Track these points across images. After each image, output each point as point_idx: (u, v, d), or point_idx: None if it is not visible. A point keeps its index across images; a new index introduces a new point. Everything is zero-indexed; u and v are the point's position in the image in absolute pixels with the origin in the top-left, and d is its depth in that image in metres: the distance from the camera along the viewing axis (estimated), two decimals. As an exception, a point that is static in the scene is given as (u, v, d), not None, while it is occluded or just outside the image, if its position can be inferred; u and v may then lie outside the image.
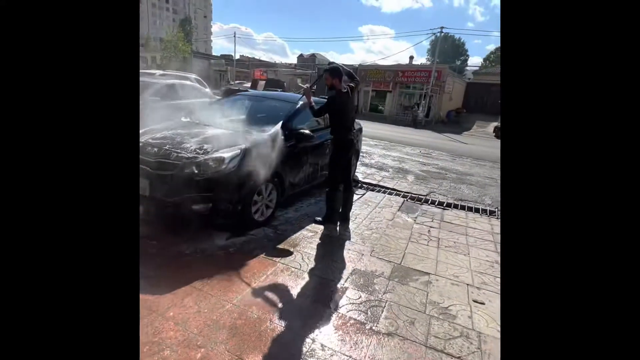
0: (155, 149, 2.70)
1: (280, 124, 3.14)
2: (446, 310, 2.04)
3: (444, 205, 4.27)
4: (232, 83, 27.24)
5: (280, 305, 1.95)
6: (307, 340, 1.68)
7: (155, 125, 3.36)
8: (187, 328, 1.68)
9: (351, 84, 3.20)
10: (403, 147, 9.32)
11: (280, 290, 2.10)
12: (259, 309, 1.88)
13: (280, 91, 19.84)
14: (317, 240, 2.88)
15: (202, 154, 2.63)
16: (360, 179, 5.07)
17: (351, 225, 3.29)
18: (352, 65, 25.34)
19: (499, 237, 3.24)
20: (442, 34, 21.37)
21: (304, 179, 3.63)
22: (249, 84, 25.36)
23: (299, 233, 2.99)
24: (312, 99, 4.08)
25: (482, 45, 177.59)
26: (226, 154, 2.65)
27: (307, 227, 3.14)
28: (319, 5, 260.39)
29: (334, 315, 1.90)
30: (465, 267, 2.63)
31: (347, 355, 1.60)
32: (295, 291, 2.11)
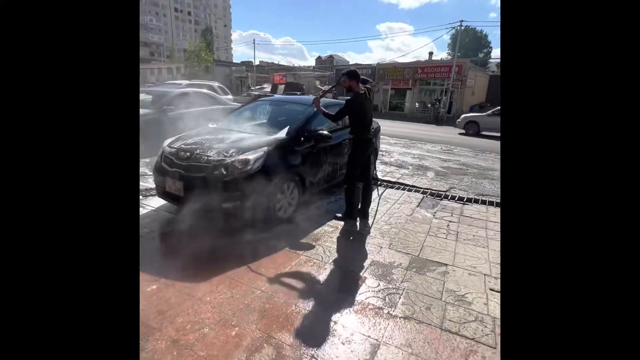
0: (188, 154, 2.97)
1: (285, 129, 3.34)
2: (462, 298, 2.13)
3: (464, 200, 4.28)
4: (253, 88, 27.98)
5: (304, 292, 2.12)
6: (330, 321, 1.84)
7: (184, 132, 3.66)
8: (222, 310, 1.89)
9: (367, 86, 3.34)
10: (423, 145, 9.27)
11: (304, 279, 2.27)
12: (285, 295, 2.07)
13: (300, 94, 20.11)
14: (338, 235, 3.03)
15: (229, 156, 2.87)
16: (379, 176, 5.17)
17: (370, 221, 3.41)
18: (370, 64, 25.26)
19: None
20: (463, 27, 20.88)
21: (324, 178, 3.79)
22: (269, 89, 25.97)
23: (320, 228, 3.15)
24: (331, 100, 4.24)
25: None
26: (251, 155, 2.87)
27: (328, 223, 3.30)
28: (336, 6, 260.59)
29: (354, 301, 2.05)
30: (484, 259, 2.69)
31: (366, 335, 1.74)
32: (317, 280, 2.28)
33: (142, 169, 4.89)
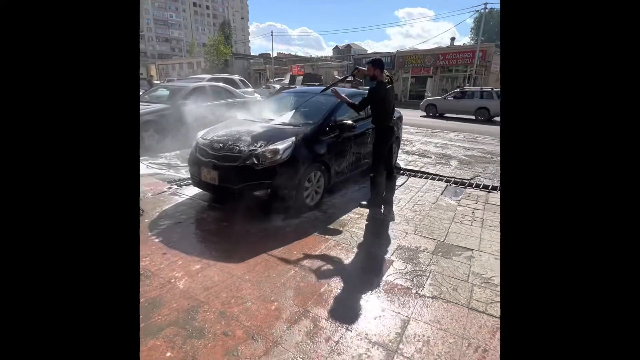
0: (221, 145, 3.14)
1: (312, 120, 3.48)
2: (489, 280, 2.19)
3: (489, 188, 4.26)
4: (271, 81, 28.18)
5: (335, 272, 2.26)
6: (361, 299, 1.97)
7: (215, 125, 3.85)
8: (261, 288, 2.05)
9: (389, 75, 3.38)
10: (446, 134, 9.12)
11: (334, 261, 2.41)
12: (317, 275, 2.21)
13: (318, 85, 20.07)
14: (364, 221, 3.14)
15: (260, 146, 3.02)
16: (402, 166, 5.19)
17: (395, 209, 3.49)
18: (390, 52, 24.74)
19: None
20: (487, 9, 20.00)
21: (348, 167, 3.89)
22: (287, 80, 26.05)
23: (346, 215, 3.27)
24: (352, 90, 4.30)
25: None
26: (280, 145, 3.00)
27: (353, 210, 3.40)
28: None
29: (382, 281, 2.16)
30: (510, 244, 2.71)
31: (396, 312, 1.86)
32: (347, 262, 2.40)
33: (174, 161, 5.17)
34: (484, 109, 12.78)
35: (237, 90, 7.98)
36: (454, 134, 9.15)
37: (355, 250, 2.59)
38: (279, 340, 1.64)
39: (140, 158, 4.66)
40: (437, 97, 15.58)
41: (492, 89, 13.32)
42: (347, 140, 3.73)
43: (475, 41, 34.84)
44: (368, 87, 5.50)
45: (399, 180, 4.44)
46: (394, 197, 3.70)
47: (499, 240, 2.78)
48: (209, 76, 10.65)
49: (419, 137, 8.24)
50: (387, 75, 3.33)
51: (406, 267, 2.34)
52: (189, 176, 3.72)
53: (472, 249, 2.62)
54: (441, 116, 14.10)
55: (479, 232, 2.96)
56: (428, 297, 2.00)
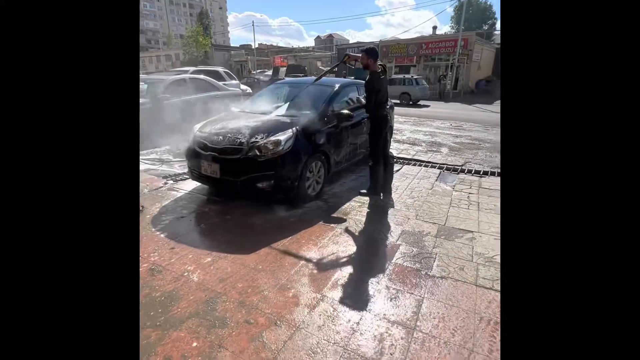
0: (221, 137, 3.11)
1: (310, 110, 3.49)
2: (491, 259, 2.31)
3: (481, 173, 4.41)
4: (254, 72, 27.66)
5: (345, 258, 2.31)
6: (374, 282, 2.03)
7: (212, 117, 3.79)
8: (276, 277, 2.08)
9: (382, 63, 3.41)
10: (433, 122, 9.30)
11: (343, 248, 2.46)
12: (329, 262, 2.26)
13: (303, 76, 19.85)
14: (366, 209, 3.20)
15: (261, 138, 3.00)
16: (395, 154, 5.29)
17: (394, 196, 3.57)
18: (373, 42, 24.71)
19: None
20: (467, -2, 20.22)
21: (346, 157, 3.93)
22: (270, 72, 25.64)
23: (347, 204, 3.32)
24: (348, 80, 4.32)
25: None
26: (282, 136, 3.00)
27: (354, 198, 3.46)
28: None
29: (392, 264, 2.23)
30: (507, 225, 2.85)
31: (409, 292, 1.94)
32: (355, 248, 2.46)
33: (165, 156, 5.06)
34: (406, 94, 14.94)
35: (220, 83, 7.69)
36: (440, 122, 9.33)
37: (362, 236, 2.66)
38: (302, 325, 1.68)
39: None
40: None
41: (412, 76, 15.43)
42: (345, 130, 3.76)
43: (455, 30, 35.29)
44: (354, 77, 5.47)
45: (394, 169, 4.53)
46: (391, 184, 3.78)
47: (495, 222, 2.91)
48: (192, 68, 10.35)
49: (407, 126, 8.37)
50: (380, 65, 3.36)
51: (413, 250, 2.42)
52: (186, 170, 3.66)
53: (472, 231, 2.74)
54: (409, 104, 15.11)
55: (476, 215, 3.09)
56: (438, 277, 2.09)
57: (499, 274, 2.12)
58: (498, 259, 2.31)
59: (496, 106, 14.77)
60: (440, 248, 2.46)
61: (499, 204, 3.34)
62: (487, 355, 1.51)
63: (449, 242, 2.56)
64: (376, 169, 3.45)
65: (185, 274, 2.11)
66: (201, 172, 3.18)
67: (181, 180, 3.95)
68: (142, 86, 6.43)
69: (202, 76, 7.38)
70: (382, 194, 3.55)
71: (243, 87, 13.57)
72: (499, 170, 4.47)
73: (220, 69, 11.83)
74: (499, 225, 2.84)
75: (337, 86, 3.93)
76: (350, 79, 4.64)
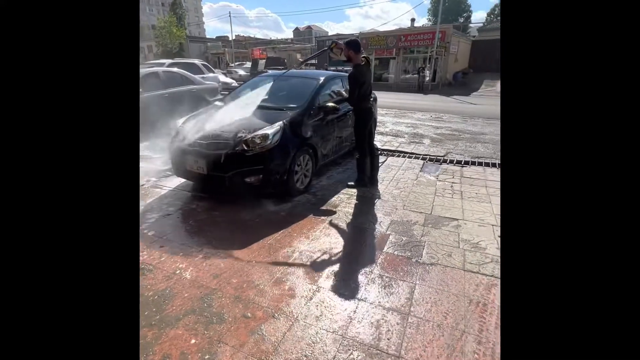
0: (206, 132, 3.04)
1: (297, 104, 3.47)
2: (477, 245, 2.41)
3: (462, 163, 4.56)
4: (232, 65, 27.00)
5: (338, 250, 2.35)
6: (367, 271, 2.08)
7: (192, 113, 3.70)
8: (270, 270, 2.09)
9: (365, 56, 3.43)
10: (413, 114, 9.46)
11: (335, 239, 2.49)
12: (321, 254, 2.29)
13: (282, 68, 19.58)
14: (354, 201, 3.25)
15: (249, 132, 2.96)
16: (379, 146, 5.36)
17: (380, 187, 3.64)
18: (352, 34, 24.66)
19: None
20: (444, -9, 20.48)
21: (332, 150, 3.95)
22: (249, 64, 25.12)
23: (336, 197, 3.35)
24: (332, 73, 4.31)
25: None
26: (269, 130, 2.98)
27: (342, 191, 3.50)
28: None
29: (384, 253, 2.29)
30: (489, 212, 2.98)
31: (402, 280, 2.00)
32: (347, 240, 2.50)
33: (145, 152, 4.89)
34: None
35: (197, 77, 7.37)
36: (421, 114, 9.52)
37: (352, 227, 2.70)
38: (300, 316, 1.71)
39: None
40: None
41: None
42: (331, 122, 3.77)
43: (433, 22, 35.81)
44: (333, 68, 5.47)
45: (379, 160, 4.60)
46: (378, 175, 3.84)
47: (478, 210, 3.03)
48: (168, 61, 9.96)
49: (389, 118, 8.48)
50: (363, 57, 3.38)
51: (402, 239, 2.49)
52: (170, 166, 3.57)
53: (457, 219, 2.84)
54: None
55: (460, 203, 3.20)
56: (428, 264, 2.17)
57: (484, 259, 2.23)
58: (483, 244, 2.42)
59: (473, 97, 15.22)
60: (428, 236, 2.54)
61: (481, 192, 3.48)
62: (478, 334, 1.59)
63: (436, 230, 2.65)
64: (363, 161, 3.50)
65: (177, 271, 2.07)
66: (186, 168, 3.11)
67: (164, 177, 3.84)
68: None
69: (176, 69, 7.06)
70: (369, 186, 3.60)
71: (229, 79, 13.20)
72: (479, 160, 4.65)
73: (197, 62, 11.47)
74: (482, 213, 2.97)
75: (322, 79, 3.92)
76: (335, 72, 4.63)
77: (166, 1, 63.54)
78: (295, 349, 1.51)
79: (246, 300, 1.82)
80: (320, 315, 1.71)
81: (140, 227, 2.63)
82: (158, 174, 3.92)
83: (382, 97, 13.96)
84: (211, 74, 11.14)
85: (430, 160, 4.73)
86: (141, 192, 3.39)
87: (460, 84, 20.54)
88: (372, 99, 3.95)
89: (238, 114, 3.35)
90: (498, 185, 3.70)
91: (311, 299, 1.84)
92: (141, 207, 3.01)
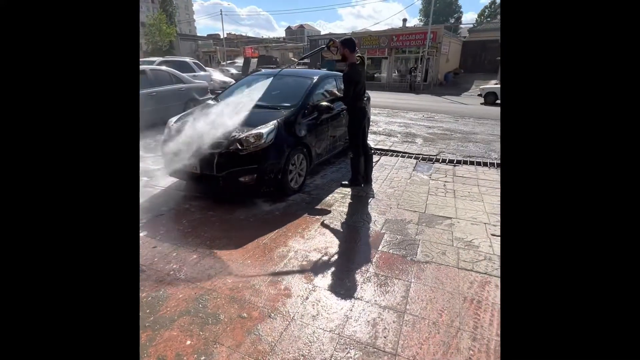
0: (199, 131, 3.00)
1: (291, 103, 3.46)
2: (470, 243, 2.44)
3: (454, 162, 4.61)
4: (223, 63, 26.74)
5: (333, 249, 2.35)
6: (363, 270, 2.09)
7: (184, 112, 3.65)
8: (266, 270, 2.08)
9: (360, 55, 3.44)
10: (406, 113, 9.53)
11: (330, 239, 2.50)
12: (317, 252, 2.29)
13: (275, 67, 19.46)
14: (349, 200, 3.25)
15: (243, 131, 2.94)
16: (372, 145, 5.38)
17: (374, 186, 3.65)
18: (345, 34, 24.69)
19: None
20: (435, -8, 20.68)
21: (326, 149, 3.95)
22: (240, 63, 24.92)
23: (330, 196, 3.35)
24: (327, 72, 4.31)
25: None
26: (264, 129, 2.96)
27: (336, 190, 3.50)
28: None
29: (379, 252, 2.30)
30: (481, 211, 3.02)
31: (398, 278, 2.01)
32: (342, 239, 2.51)
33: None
34: None
35: (185, 75, 7.17)
36: (413, 113, 9.59)
37: (347, 226, 2.71)
38: (296, 315, 1.70)
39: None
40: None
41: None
42: (325, 122, 3.77)
43: (424, 23, 36.10)
44: (326, 68, 5.46)
45: (373, 160, 4.61)
46: (372, 175, 3.85)
47: (471, 208, 3.07)
48: (159, 59, 9.79)
49: (382, 118, 8.52)
50: (358, 56, 3.39)
51: (397, 238, 2.51)
52: (162, 166, 3.51)
53: (450, 218, 2.88)
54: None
55: (453, 202, 3.24)
56: (422, 262, 2.18)
57: (477, 257, 2.26)
58: (476, 242, 2.45)
59: (464, 97, 15.40)
60: (422, 235, 2.57)
61: (473, 191, 3.52)
62: (473, 331, 1.62)
63: (430, 228, 2.67)
64: (357, 160, 3.50)
65: (171, 272, 2.05)
66: (179, 168, 3.07)
67: (155, 176, 3.78)
68: None
69: (164, 67, 6.92)
70: (363, 185, 3.62)
71: (227, 78, 12.98)
72: (471, 159, 4.71)
73: (189, 60, 11.33)
74: (474, 211, 3.01)
75: (316, 78, 3.92)
76: (329, 71, 4.63)
77: (156, -2, 62.64)
78: (292, 348, 1.51)
79: (242, 301, 1.80)
80: (317, 315, 1.71)
81: (132, 228, 2.59)
82: (149, 174, 3.86)
83: (375, 97, 14.04)
84: (203, 73, 11.02)
85: (423, 159, 4.77)
86: (132, 191, 3.33)
87: (451, 84, 20.78)
88: (365, 99, 3.96)
89: (232, 112, 3.32)
90: (490, 184, 3.75)
91: (307, 298, 1.83)
92: (133, 207, 2.96)
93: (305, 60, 22.02)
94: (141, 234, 2.50)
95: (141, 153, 4.70)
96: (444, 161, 4.66)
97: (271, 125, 3.03)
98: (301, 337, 1.57)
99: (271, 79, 4.17)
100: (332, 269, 2.11)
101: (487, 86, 13.72)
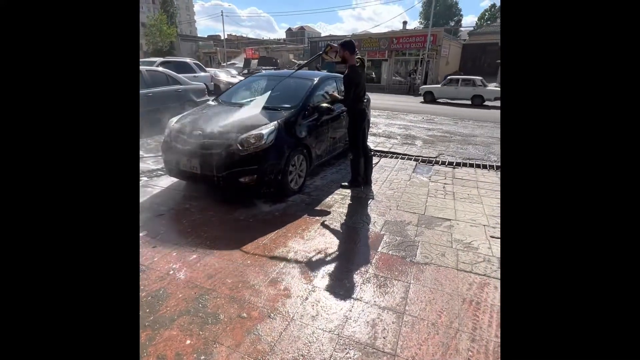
0: (200, 132, 3.01)
1: (291, 104, 3.46)
2: (469, 245, 2.45)
3: (454, 164, 4.63)
4: (224, 64, 26.79)
5: (333, 250, 2.36)
6: (363, 271, 2.10)
7: (184, 112, 3.66)
8: (266, 270, 2.08)
9: (360, 57, 3.46)
10: (405, 115, 9.56)
11: (330, 240, 2.50)
12: (316, 253, 2.29)
13: (275, 69, 19.46)
14: (348, 201, 3.26)
15: (243, 132, 2.95)
16: (372, 147, 5.39)
17: (374, 187, 3.66)
18: (345, 36, 24.78)
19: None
20: (435, -5, 20.78)
21: (326, 150, 3.96)
22: (241, 64, 24.99)
23: (330, 197, 3.36)
24: (327, 74, 4.32)
25: (476, 1, 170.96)
26: (264, 130, 2.97)
27: (336, 191, 3.51)
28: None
29: (378, 253, 2.31)
30: (481, 213, 3.03)
31: (397, 279, 2.02)
32: (341, 240, 2.51)
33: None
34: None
35: (183, 77, 7.16)
36: (413, 115, 9.62)
37: (347, 228, 2.71)
38: (296, 316, 1.71)
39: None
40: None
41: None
42: (325, 123, 3.78)
43: (424, 25, 36.23)
44: (325, 70, 5.50)
45: (372, 161, 4.63)
46: (371, 176, 3.86)
47: (470, 210, 3.08)
48: (159, 60, 9.81)
49: (382, 120, 8.54)
50: (358, 58, 3.40)
51: (396, 239, 2.52)
52: (162, 166, 3.52)
53: (449, 219, 2.88)
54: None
55: (452, 204, 3.25)
56: (422, 264, 2.19)
57: (476, 258, 2.27)
58: (475, 244, 2.46)
59: (464, 100, 15.42)
60: (422, 236, 2.57)
61: (472, 193, 3.53)
62: (472, 332, 1.62)
63: (430, 230, 2.68)
64: (356, 161, 3.52)
65: (171, 272, 2.05)
66: (179, 168, 3.08)
67: (156, 176, 3.79)
68: None
69: (161, 69, 6.90)
70: (362, 186, 3.62)
71: (231, 79, 12.93)
72: (470, 162, 4.72)
73: (189, 61, 11.36)
74: (474, 213, 3.02)
75: (316, 79, 3.93)
76: (329, 73, 4.64)
77: (157, -1, 62.73)
78: (291, 348, 1.51)
79: (241, 301, 1.81)
80: (316, 315, 1.72)
81: (132, 227, 2.59)
82: (149, 174, 3.86)
83: (375, 99, 14.08)
84: (203, 74, 11.03)
85: (423, 161, 4.79)
86: (132, 191, 3.33)
87: (451, 87, 20.80)
88: (365, 100, 3.97)
89: (233, 113, 3.33)
90: (489, 186, 3.77)
91: (307, 298, 1.84)
92: (133, 207, 2.96)
93: (301, 63, 22.08)
94: (142, 234, 2.50)
95: (141, 152, 4.71)
96: (443, 163, 4.67)
97: (271, 126, 3.04)
98: (301, 337, 1.57)
99: (272, 80, 4.19)
100: (332, 269, 2.12)
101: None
